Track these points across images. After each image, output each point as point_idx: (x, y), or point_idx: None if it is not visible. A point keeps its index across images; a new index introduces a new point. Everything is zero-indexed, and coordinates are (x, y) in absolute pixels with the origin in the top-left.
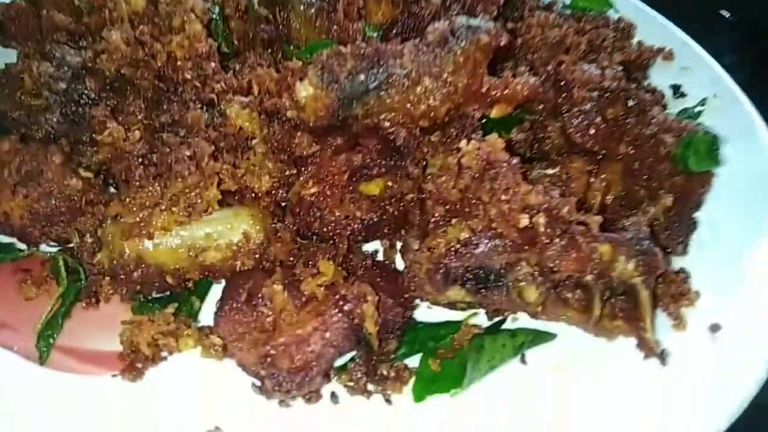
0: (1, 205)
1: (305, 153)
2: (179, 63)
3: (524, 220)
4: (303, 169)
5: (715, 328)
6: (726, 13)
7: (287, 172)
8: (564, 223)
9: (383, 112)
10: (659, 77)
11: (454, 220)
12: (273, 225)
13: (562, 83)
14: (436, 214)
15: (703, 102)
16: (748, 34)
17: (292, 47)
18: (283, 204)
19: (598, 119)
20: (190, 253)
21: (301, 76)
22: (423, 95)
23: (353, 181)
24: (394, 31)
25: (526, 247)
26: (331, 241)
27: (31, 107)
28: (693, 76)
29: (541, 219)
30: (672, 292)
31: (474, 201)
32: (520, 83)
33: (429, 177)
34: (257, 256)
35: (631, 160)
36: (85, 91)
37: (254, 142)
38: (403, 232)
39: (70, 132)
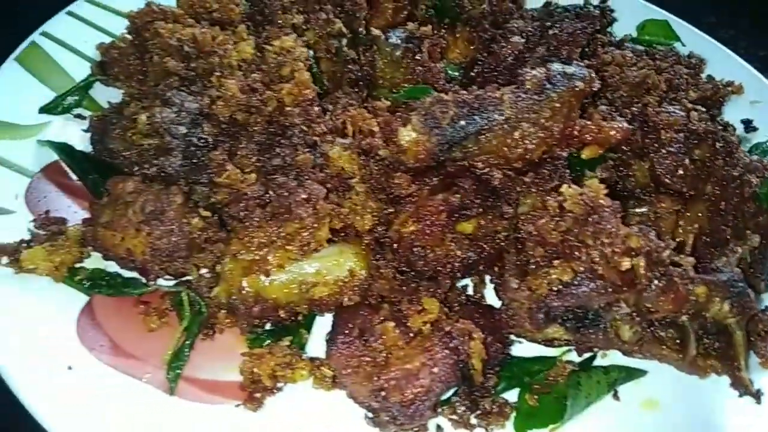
0: (125, 242)
1: (403, 193)
2: (288, 109)
3: (626, 264)
4: (401, 207)
5: None
6: None
7: (386, 211)
8: (662, 266)
9: (482, 155)
10: (730, 112)
11: (555, 262)
12: (375, 262)
13: (648, 125)
14: (537, 255)
15: None
16: None
17: (377, 86)
18: (382, 241)
19: (686, 161)
20: (301, 288)
21: (404, 121)
22: (520, 140)
23: (451, 221)
24: (475, 71)
25: (626, 289)
26: (433, 279)
27: (142, 147)
28: (763, 109)
29: (642, 262)
30: (759, 331)
31: (576, 243)
32: (614, 128)
33: (526, 217)
34: (362, 291)
35: (717, 200)
36: (203, 135)
37: (353, 181)
38: (495, 269)
39: (189, 173)
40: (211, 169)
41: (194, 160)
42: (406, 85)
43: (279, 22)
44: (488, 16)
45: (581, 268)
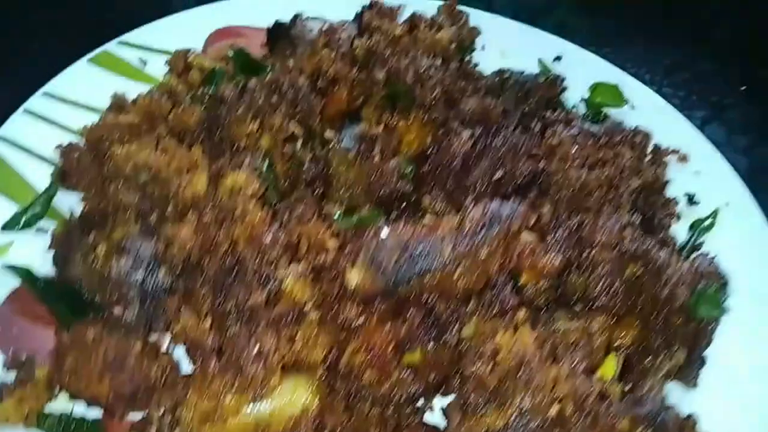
0: (90, 388)
1: (353, 324)
2: (240, 248)
3: (554, 410)
4: (351, 336)
5: None
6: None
7: (338, 339)
8: (588, 406)
9: (425, 291)
10: (673, 183)
11: (490, 407)
12: (328, 394)
13: (584, 243)
14: (474, 398)
15: (714, 214)
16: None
17: (333, 185)
18: (334, 369)
19: (618, 281)
20: (257, 428)
21: (351, 259)
22: (461, 276)
23: (397, 352)
24: (426, 167)
25: (556, 429)
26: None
27: (103, 276)
28: (706, 181)
29: (569, 406)
30: None
31: (509, 390)
32: (547, 263)
33: (468, 348)
34: (313, 426)
35: (648, 314)
36: (158, 282)
37: (307, 308)
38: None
39: (147, 320)
40: (167, 315)
41: (152, 307)
42: (358, 186)
43: (234, 131)
44: (440, 99)
45: (513, 415)
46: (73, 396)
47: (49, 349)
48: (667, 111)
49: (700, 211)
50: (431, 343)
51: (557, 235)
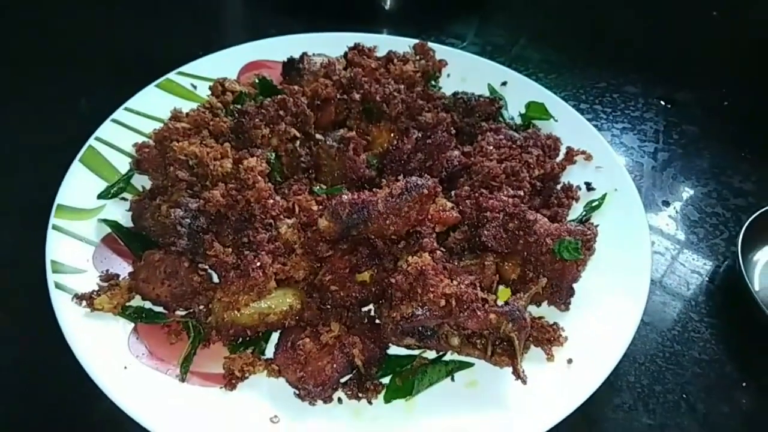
0: (155, 291)
1: (324, 255)
2: (252, 205)
3: (442, 303)
4: (323, 264)
5: (570, 360)
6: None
7: (315, 266)
8: (467, 303)
9: (368, 233)
10: (578, 175)
11: (405, 301)
12: (307, 299)
13: (481, 207)
14: (396, 297)
15: (604, 196)
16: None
17: (321, 172)
18: (311, 284)
19: (501, 232)
20: (260, 317)
21: (321, 213)
22: (390, 224)
23: (352, 273)
24: (386, 160)
25: (445, 317)
26: (339, 309)
27: (164, 226)
28: (604, 173)
29: (453, 301)
30: (548, 337)
31: (415, 291)
32: (449, 216)
33: (395, 272)
34: (297, 318)
35: (524, 254)
36: (200, 224)
37: (295, 246)
38: (381, 302)
39: (192, 248)
40: (205, 246)
41: (195, 240)
42: (338, 172)
43: (252, 134)
44: (404, 112)
45: (417, 305)
46: (144, 298)
47: (128, 272)
48: (581, 123)
49: (597, 196)
50: (374, 268)
51: (466, 203)
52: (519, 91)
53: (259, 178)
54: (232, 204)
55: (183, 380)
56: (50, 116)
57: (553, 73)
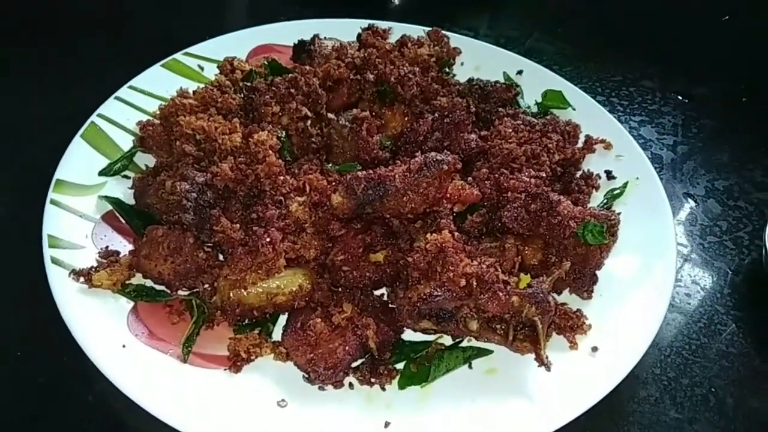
0: (157, 267)
1: (336, 234)
2: (262, 180)
3: (462, 283)
4: (335, 243)
5: (594, 349)
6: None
7: (326, 245)
8: (489, 283)
9: (384, 211)
10: (598, 164)
11: (422, 281)
12: (317, 280)
13: (502, 188)
14: (413, 277)
15: (625, 184)
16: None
17: (333, 152)
18: (322, 265)
19: (523, 213)
20: (268, 297)
21: (335, 188)
22: (408, 202)
23: (366, 253)
24: (401, 141)
25: (465, 298)
26: (352, 290)
27: (169, 202)
28: (624, 162)
29: (473, 282)
30: (571, 325)
31: (434, 270)
32: (469, 194)
33: (412, 252)
34: (307, 299)
35: (546, 237)
36: (207, 199)
37: (306, 225)
38: (396, 284)
39: (198, 224)
40: (211, 221)
41: (201, 215)
42: (350, 153)
43: (262, 111)
44: (418, 96)
45: (436, 285)
46: (145, 276)
47: (129, 250)
48: (601, 112)
49: (618, 185)
50: (388, 248)
51: (485, 184)
52: (535, 81)
53: (270, 152)
54: (241, 178)
55: (185, 361)
56: (58, 92)
57: (567, 66)
